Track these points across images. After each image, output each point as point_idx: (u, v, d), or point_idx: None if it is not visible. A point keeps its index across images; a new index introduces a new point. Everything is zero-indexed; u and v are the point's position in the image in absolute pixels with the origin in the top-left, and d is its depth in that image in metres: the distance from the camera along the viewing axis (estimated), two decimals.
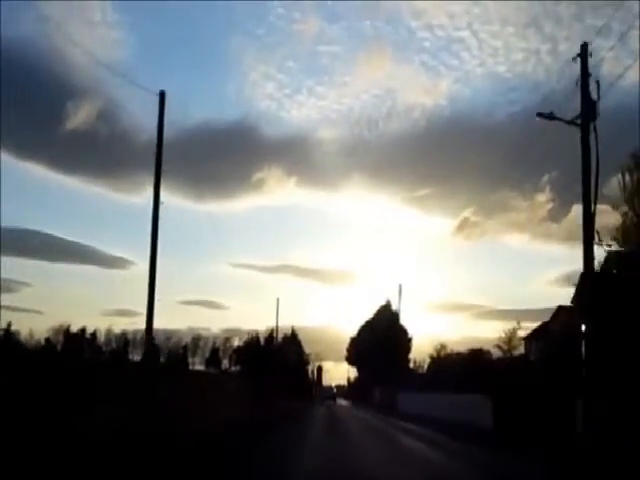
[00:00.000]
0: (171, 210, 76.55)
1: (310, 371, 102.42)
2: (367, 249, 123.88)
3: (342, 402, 69.89)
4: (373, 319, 64.15)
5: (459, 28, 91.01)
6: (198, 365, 69.93)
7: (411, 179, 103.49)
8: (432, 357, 60.13)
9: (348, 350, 70.72)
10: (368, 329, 64.42)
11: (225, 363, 69.04)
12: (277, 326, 59.33)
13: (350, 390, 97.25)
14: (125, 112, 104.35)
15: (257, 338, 70.00)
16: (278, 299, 52.92)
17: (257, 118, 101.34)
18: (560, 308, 29.31)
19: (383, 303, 64.29)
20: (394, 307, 65.84)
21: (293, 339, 70.02)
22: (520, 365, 28.18)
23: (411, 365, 66.30)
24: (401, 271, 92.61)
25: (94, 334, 65.42)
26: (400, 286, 45.68)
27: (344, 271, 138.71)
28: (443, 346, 58.23)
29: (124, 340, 73.29)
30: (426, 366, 65.39)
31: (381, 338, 61.48)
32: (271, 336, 70.46)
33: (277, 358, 68.46)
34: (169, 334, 70.21)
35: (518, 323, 36.39)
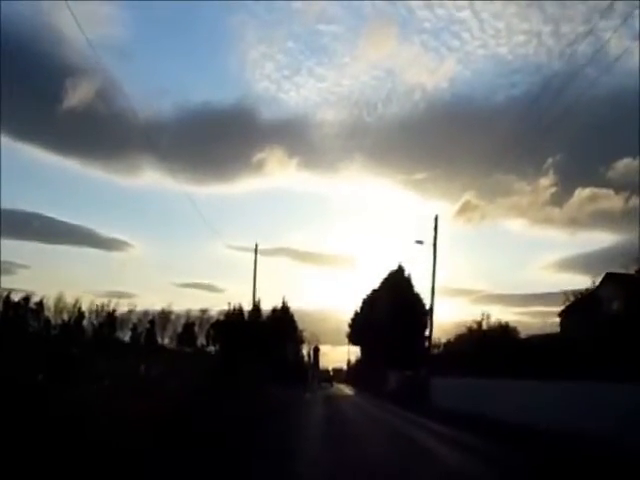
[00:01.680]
0: (169, 192, 78.81)
1: (307, 354, 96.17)
2: (366, 232, 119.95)
3: (343, 389, 58.28)
4: (382, 287, 52.51)
5: (460, 8, 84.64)
6: (169, 342, 58.30)
7: (411, 162, 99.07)
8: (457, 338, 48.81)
9: (350, 326, 59.18)
10: (375, 300, 52.61)
11: (202, 341, 57.15)
12: (255, 296, 48.01)
13: (351, 374, 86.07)
14: (123, 93, 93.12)
15: (240, 312, 58.04)
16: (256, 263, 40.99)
17: (255, 100, 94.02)
18: (609, 275, 29.98)
19: (394, 268, 52.35)
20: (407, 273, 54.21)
21: (284, 314, 58.14)
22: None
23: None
24: (399, 255, 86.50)
25: (41, 303, 53.74)
26: (420, 242, 33.03)
27: (342, 255, 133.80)
28: (459, 325, 47.70)
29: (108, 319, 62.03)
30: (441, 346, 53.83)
31: (393, 310, 49.74)
32: (256, 308, 58.66)
33: (263, 335, 56.67)
34: (166, 315, 62.95)
35: None
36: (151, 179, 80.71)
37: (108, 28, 70.30)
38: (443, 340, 53.03)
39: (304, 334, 61.77)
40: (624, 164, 53.70)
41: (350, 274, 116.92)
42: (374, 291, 56.01)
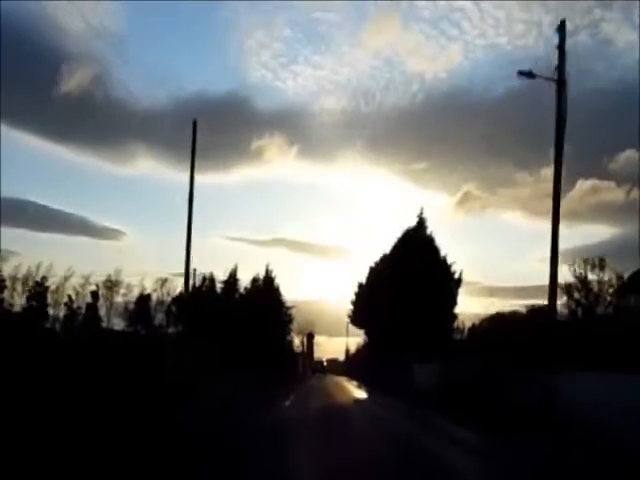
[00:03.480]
0: (165, 181, 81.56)
1: (299, 342, 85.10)
2: (363, 223, 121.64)
3: (344, 384, 45.31)
4: (396, 250, 39.41)
5: None
6: (117, 323, 45.07)
7: (409, 152, 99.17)
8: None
9: (354, 304, 45.94)
10: (387, 268, 39.48)
11: (160, 319, 43.94)
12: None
13: (352, 365, 73.52)
14: (118, 81, 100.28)
15: (211, 284, 44.91)
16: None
17: (252, 88, 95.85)
18: None
19: (412, 225, 39.29)
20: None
21: (268, 286, 44.94)
22: None
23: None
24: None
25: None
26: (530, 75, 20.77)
27: (339, 245, 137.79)
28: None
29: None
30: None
31: (413, 279, 36.91)
32: (233, 279, 45.56)
33: (241, 313, 43.91)
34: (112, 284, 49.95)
35: None
36: (146, 167, 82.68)
37: (103, 16, 76.21)
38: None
39: (293, 314, 48.50)
40: (626, 156, 52.69)
41: (347, 265, 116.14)
42: (384, 257, 42.70)
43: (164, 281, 45.74)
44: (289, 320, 48.38)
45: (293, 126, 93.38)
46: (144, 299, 45.30)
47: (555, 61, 18.87)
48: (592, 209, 69.20)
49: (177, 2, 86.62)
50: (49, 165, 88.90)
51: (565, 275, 35.61)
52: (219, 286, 46.68)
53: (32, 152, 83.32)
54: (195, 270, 46.89)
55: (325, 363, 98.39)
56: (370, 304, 42.69)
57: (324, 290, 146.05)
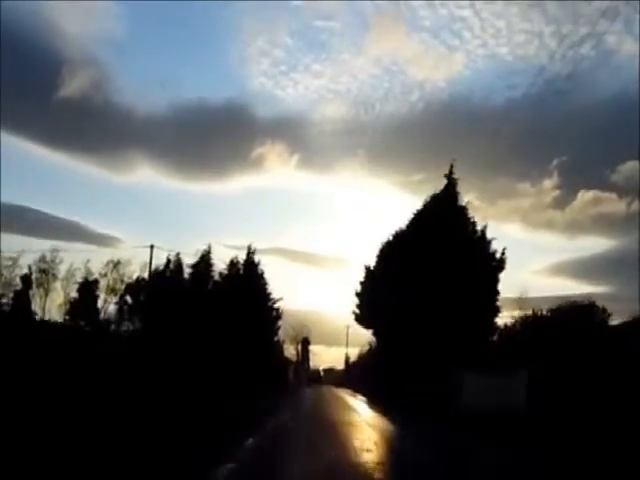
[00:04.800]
0: (165, 189, 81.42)
1: (294, 349, 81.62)
2: (362, 233, 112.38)
3: (346, 397, 35.20)
4: (416, 225, 29.33)
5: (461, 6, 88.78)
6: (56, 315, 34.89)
7: (408, 162, 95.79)
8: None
9: (359, 295, 35.92)
10: (402, 249, 29.62)
11: (110, 312, 34.04)
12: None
13: (353, 375, 63.40)
14: (117, 88, 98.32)
15: (177, 268, 35.10)
16: None
17: (251, 96, 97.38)
18: None
19: (436, 192, 29.51)
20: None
21: (250, 272, 35.10)
22: None
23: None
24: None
25: None
26: None
27: (337, 255, 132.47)
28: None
29: None
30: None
31: (440, 261, 27.07)
32: (205, 263, 35.75)
33: (214, 306, 34.41)
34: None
35: None
36: (144, 175, 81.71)
37: (102, 22, 71.49)
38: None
39: (281, 311, 38.49)
40: (628, 167, 52.15)
41: (345, 275, 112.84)
42: (399, 235, 32.84)
43: (116, 264, 35.82)
44: (277, 316, 38.44)
45: (293, 135, 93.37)
46: (89, 286, 35.36)
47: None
48: (590, 220, 68.36)
49: (177, 9, 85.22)
50: (46, 171, 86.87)
51: None
52: (188, 271, 36.86)
53: (29, 158, 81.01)
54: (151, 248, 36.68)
55: (322, 373, 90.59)
56: (382, 295, 32.72)
57: (322, 300, 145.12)
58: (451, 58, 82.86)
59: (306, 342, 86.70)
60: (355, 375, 60.76)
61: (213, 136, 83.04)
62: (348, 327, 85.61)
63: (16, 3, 68.32)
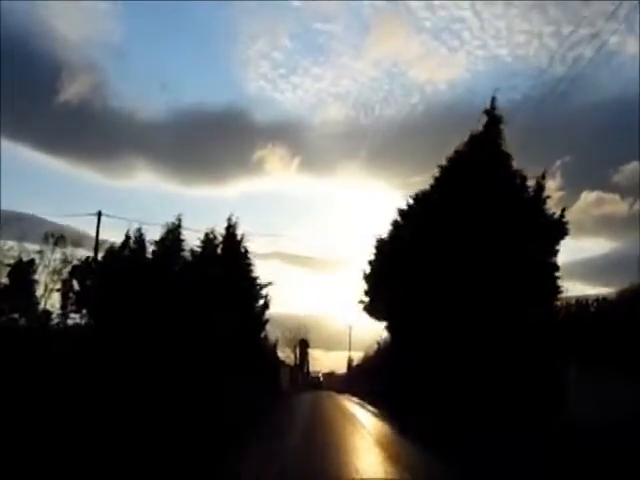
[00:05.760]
0: (164, 194, 79.84)
1: (292, 351, 78.73)
2: (361, 237, 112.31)
3: (355, 408, 27.50)
4: (447, 178, 21.65)
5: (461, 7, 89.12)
6: None
7: (408, 165, 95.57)
8: None
9: (368, 280, 28.52)
10: (424, 208, 21.96)
11: (52, 303, 26.42)
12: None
13: (356, 379, 55.91)
14: (116, 92, 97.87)
15: (138, 245, 27.57)
16: None
17: (250, 99, 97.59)
18: None
19: (477, 130, 21.79)
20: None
21: (230, 249, 27.49)
22: None
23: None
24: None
25: None
26: None
27: (336, 259, 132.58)
28: None
29: None
30: None
31: (481, 225, 19.08)
32: (174, 238, 28.23)
33: (184, 294, 26.69)
34: None
35: None
36: (144, 180, 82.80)
37: (101, 26, 70.70)
38: None
39: (270, 296, 30.87)
40: (630, 169, 53.05)
41: (344, 279, 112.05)
42: (422, 194, 25.36)
43: (58, 239, 28.04)
44: (264, 306, 30.79)
45: (292, 138, 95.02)
46: (21, 268, 27.69)
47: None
48: (591, 222, 68.02)
49: (176, 14, 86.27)
50: (45, 177, 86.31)
51: None
52: (153, 250, 29.20)
53: (28, 164, 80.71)
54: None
55: (322, 378, 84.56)
56: (398, 275, 25.07)
57: (321, 304, 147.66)
58: (451, 59, 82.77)
59: (304, 344, 79.40)
60: (360, 380, 52.98)
61: (212, 140, 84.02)
62: (351, 327, 79.85)
63: (14, 5, 70.56)
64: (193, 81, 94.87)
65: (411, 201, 26.48)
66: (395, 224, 27.21)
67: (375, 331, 43.11)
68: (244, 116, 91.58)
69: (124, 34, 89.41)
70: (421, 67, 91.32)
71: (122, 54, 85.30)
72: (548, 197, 22.82)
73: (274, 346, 47.32)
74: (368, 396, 37.96)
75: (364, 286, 30.62)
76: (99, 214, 29.03)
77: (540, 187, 22.20)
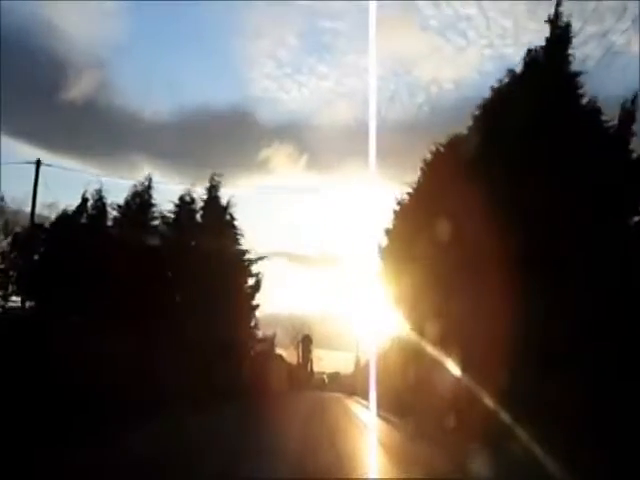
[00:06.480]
0: (167, 194, 63.97)
1: (294, 347, 73.78)
2: (368, 236, 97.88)
3: (370, 423, 21.09)
4: (495, 111, 15.52)
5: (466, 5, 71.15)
6: None
7: (414, 164, 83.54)
8: None
9: (390, 235, 22.48)
10: (478, 153, 15.93)
11: None
12: None
13: (368, 380, 49.35)
14: (120, 91, 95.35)
15: (99, 208, 21.48)
16: None
17: (255, 99, 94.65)
18: None
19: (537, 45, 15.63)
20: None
21: (211, 216, 21.47)
22: None
23: None
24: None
25: None
26: None
27: (342, 258, 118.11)
28: None
29: None
30: None
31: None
32: (143, 204, 22.40)
33: (151, 269, 20.31)
34: None
35: None
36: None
37: (105, 24, 69.12)
38: None
39: (261, 275, 25.02)
40: None
41: (347, 278, 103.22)
42: (454, 139, 19.49)
43: None
44: (255, 286, 24.88)
45: (298, 137, 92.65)
46: None
47: None
48: None
49: (181, 12, 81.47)
50: (48, 176, 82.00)
51: None
52: (114, 216, 23.35)
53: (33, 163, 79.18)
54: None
55: (326, 379, 79.40)
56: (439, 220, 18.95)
57: (326, 303, 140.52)
58: (457, 58, 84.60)
59: (307, 340, 73.50)
60: (372, 381, 46.81)
61: (217, 139, 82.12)
62: (358, 326, 75.16)
63: (17, 4, 65.92)
64: (198, 79, 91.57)
65: (441, 149, 20.46)
66: (428, 163, 21.03)
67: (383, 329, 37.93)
68: (249, 115, 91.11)
69: (129, 33, 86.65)
70: (427, 66, 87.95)
71: (127, 53, 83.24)
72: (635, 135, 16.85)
73: (271, 341, 41.34)
74: (382, 401, 31.89)
75: (380, 264, 24.63)
76: (37, 162, 23.18)
77: (629, 115, 16.20)
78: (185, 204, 23.53)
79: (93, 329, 19.83)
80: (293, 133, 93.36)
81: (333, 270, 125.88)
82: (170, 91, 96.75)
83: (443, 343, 18.28)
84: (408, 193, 22.00)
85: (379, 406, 30.85)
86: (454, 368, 16.09)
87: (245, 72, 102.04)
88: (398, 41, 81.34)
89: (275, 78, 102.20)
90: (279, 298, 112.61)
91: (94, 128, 63.02)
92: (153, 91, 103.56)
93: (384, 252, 24.42)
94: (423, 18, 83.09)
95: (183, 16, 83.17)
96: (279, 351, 55.43)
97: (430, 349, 19.13)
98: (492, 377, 12.82)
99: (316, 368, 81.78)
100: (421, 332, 23.92)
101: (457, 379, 15.44)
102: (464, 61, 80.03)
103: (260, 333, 33.82)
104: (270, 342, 40.04)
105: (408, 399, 23.55)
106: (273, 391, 31.54)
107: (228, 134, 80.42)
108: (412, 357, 25.33)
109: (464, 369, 15.53)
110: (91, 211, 23.90)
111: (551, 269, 13.36)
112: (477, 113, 19.21)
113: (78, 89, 71.36)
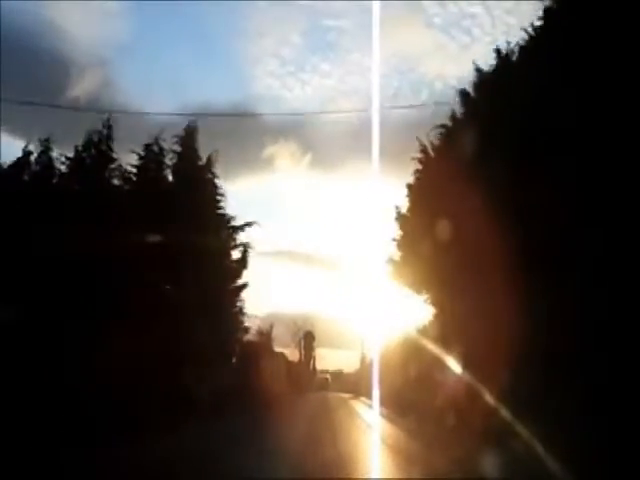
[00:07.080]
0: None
1: (296, 345, 69.42)
2: (372, 235, 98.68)
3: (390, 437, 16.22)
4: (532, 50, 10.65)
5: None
6: None
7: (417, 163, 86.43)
8: None
9: (401, 220, 17.50)
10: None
11: None
12: None
13: (374, 380, 45.19)
14: (122, 90, 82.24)
15: (43, 165, 16.46)
16: None
17: (258, 96, 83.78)
18: None
19: None
20: None
21: (184, 172, 16.50)
22: None
23: None
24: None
25: None
26: None
27: (345, 257, 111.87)
28: None
29: None
30: None
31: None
32: (99, 153, 17.41)
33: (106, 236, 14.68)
34: None
35: None
36: None
37: (106, 24, 68.71)
38: None
39: (250, 246, 20.22)
40: None
41: (350, 276, 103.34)
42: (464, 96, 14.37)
43: None
44: (241, 261, 19.95)
45: (301, 135, 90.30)
46: None
47: None
48: None
49: (184, 11, 77.61)
50: None
51: None
52: (62, 172, 18.55)
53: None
54: None
55: (329, 378, 76.49)
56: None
57: (329, 302, 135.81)
58: (461, 55, 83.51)
59: (310, 337, 68.82)
60: (378, 380, 42.22)
61: (220, 137, 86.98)
62: (363, 323, 71.50)
63: (19, 4, 63.16)
64: (201, 78, 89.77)
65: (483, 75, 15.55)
66: (455, 117, 16.16)
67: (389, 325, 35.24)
68: (253, 113, 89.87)
69: (132, 32, 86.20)
70: (431, 63, 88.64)
71: (129, 51, 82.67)
72: None
73: (268, 335, 36.34)
74: (387, 401, 27.24)
75: (395, 233, 19.81)
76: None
77: None
78: (153, 155, 18.67)
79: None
80: (296, 131, 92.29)
81: (336, 268, 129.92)
82: (173, 90, 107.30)
83: (445, 342, 18.12)
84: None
85: (387, 406, 26.56)
86: (457, 367, 16.22)
87: (248, 70, 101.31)
88: (402, 39, 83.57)
89: (278, 76, 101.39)
90: (282, 296, 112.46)
91: (94, 126, 73.58)
92: (156, 90, 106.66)
93: (399, 242, 19.88)
94: (427, 16, 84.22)
95: (186, 15, 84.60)
96: (281, 349, 51.34)
97: (433, 348, 19.14)
98: (494, 376, 13.18)
99: (319, 366, 78.49)
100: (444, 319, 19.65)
101: (460, 378, 15.72)
102: (468, 59, 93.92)
103: (252, 325, 29.22)
104: (267, 336, 35.15)
105: (413, 397, 22.53)
106: (269, 394, 26.78)
107: (231, 132, 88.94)
108: (415, 355, 23.38)
109: (467, 368, 15.69)
110: (35, 167, 19.11)
111: (553, 269, 12.15)
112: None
113: (80, 89, 73.94)
